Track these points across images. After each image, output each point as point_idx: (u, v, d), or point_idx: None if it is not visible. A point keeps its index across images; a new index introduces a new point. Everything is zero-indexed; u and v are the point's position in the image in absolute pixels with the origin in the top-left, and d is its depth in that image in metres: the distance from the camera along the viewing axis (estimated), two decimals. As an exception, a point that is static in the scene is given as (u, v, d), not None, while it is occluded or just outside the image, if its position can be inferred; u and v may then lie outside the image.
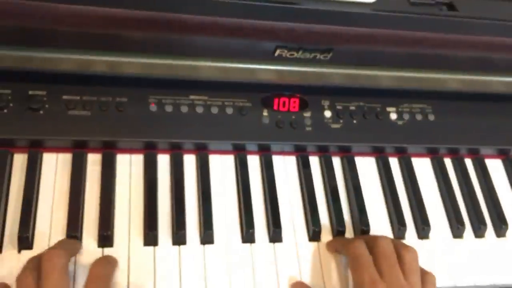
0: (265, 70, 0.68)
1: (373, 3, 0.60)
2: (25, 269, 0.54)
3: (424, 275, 0.61)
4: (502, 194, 0.77)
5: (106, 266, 0.58)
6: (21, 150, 0.65)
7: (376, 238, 0.61)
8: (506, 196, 0.77)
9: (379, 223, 0.70)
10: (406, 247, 0.61)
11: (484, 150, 0.79)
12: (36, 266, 0.54)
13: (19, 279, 0.53)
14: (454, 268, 0.69)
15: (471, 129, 0.78)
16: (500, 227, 0.73)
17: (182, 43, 0.63)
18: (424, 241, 0.70)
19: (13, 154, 0.65)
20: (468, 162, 0.78)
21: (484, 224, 0.72)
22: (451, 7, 0.63)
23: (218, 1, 0.57)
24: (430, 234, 0.71)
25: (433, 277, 0.61)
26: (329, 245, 0.67)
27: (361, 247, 0.61)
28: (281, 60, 0.66)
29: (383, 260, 0.59)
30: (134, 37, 0.61)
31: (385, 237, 0.62)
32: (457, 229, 0.71)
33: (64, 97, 0.66)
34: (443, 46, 0.66)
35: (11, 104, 0.65)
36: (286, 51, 0.64)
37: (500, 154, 0.80)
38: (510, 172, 0.79)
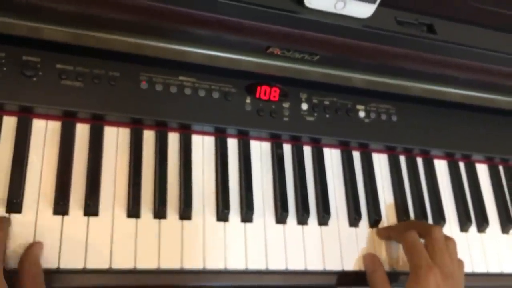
0: (254, 62, 0.72)
1: (366, 19, 0.65)
2: None
3: (458, 261, 0.72)
4: (444, 191, 0.87)
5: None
6: (10, 113, 0.67)
7: (430, 227, 0.72)
8: (447, 193, 0.87)
9: (339, 211, 0.78)
10: (450, 238, 0.72)
11: (434, 152, 0.88)
12: None
13: None
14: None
15: (425, 131, 0.86)
16: (439, 222, 0.83)
17: (180, 31, 0.66)
18: (374, 229, 0.79)
19: (2, 116, 0.66)
20: (419, 161, 0.87)
21: (426, 218, 0.82)
22: (430, 29, 0.70)
23: (225, 2, 0.60)
24: (380, 225, 0.80)
25: (463, 262, 0.73)
26: (381, 233, 0.77)
27: (415, 235, 0.71)
28: (271, 56, 0.70)
29: (436, 248, 0.69)
30: (137, 22, 0.63)
31: (439, 227, 0.72)
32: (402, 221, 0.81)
33: (58, 65, 0.68)
34: (416, 62, 0.72)
35: (4, 68, 0.65)
36: (278, 49, 0.69)
37: (447, 156, 0.90)
38: (453, 172, 0.89)
